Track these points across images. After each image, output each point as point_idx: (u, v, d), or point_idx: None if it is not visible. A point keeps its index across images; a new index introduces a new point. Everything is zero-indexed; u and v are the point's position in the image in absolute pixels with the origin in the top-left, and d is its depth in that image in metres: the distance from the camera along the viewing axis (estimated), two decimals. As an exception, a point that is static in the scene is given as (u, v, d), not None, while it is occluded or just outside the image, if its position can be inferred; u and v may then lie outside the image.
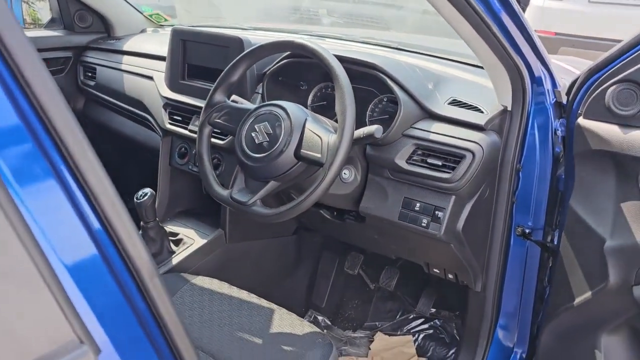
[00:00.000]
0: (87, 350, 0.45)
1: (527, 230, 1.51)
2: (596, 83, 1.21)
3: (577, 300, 1.28)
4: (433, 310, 2.03)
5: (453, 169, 1.39)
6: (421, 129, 1.45)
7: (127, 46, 2.21)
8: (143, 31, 2.41)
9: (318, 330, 1.40)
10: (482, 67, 1.55)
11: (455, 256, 1.51)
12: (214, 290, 1.53)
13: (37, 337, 0.43)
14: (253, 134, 1.37)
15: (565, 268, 1.32)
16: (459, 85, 1.57)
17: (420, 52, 1.81)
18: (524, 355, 1.63)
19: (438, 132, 1.43)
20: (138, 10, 2.41)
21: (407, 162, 1.45)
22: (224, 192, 1.43)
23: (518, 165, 1.47)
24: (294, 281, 2.18)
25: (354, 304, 2.18)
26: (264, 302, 1.48)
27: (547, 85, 1.43)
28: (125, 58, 2.16)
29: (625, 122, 1.16)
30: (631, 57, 1.13)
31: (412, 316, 2.06)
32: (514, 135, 1.43)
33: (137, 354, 0.53)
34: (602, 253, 1.20)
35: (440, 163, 1.41)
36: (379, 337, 2.02)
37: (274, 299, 1.50)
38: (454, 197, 1.42)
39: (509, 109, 1.43)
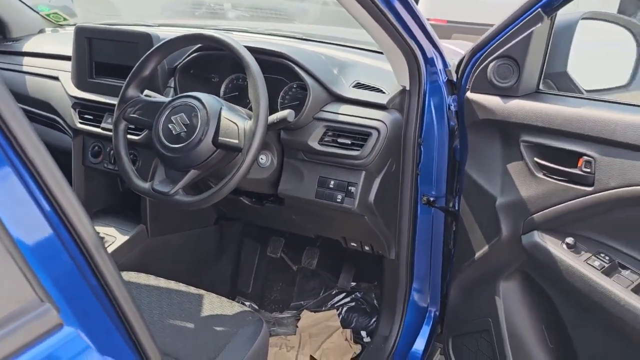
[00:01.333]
0: (50, 308, 0.50)
1: (431, 199, 1.67)
2: (479, 60, 1.37)
3: (477, 255, 1.44)
4: (354, 283, 2.16)
5: (361, 146, 1.51)
6: (330, 112, 1.56)
7: (27, 47, 2.15)
8: (41, 31, 2.34)
9: (248, 309, 1.48)
10: (381, 53, 1.69)
11: (370, 228, 1.63)
12: (140, 284, 1.56)
13: (3, 297, 0.48)
14: (170, 126, 1.41)
15: (466, 228, 1.48)
16: (362, 69, 1.70)
17: (324, 41, 1.92)
18: (437, 313, 1.79)
19: (346, 113, 1.54)
20: (34, 10, 2.33)
21: (319, 144, 1.55)
22: (146, 185, 1.46)
23: (419, 139, 1.61)
24: (217, 270, 2.23)
25: (279, 286, 2.26)
26: (192, 289, 1.53)
27: (439, 65, 1.58)
28: (26, 59, 2.10)
29: (505, 93, 1.32)
30: (505, 35, 1.29)
31: (334, 291, 2.18)
32: (414, 112, 1.57)
33: (92, 316, 0.59)
34: (494, 210, 1.37)
35: (349, 142, 1.53)
36: (305, 314, 2.12)
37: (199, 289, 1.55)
38: (364, 172, 1.54)
39: (408, 88, 1.57)
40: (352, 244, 1.82)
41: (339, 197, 1.55)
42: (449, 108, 1.60)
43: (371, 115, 1.52)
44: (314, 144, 1.55)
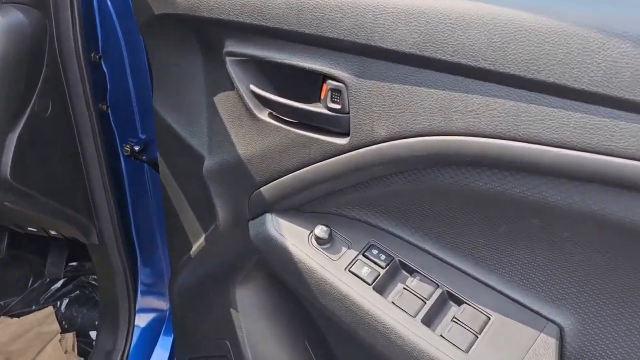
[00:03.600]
0: None
1: (137, 147, 1.04)
2: None
3: (194, 249, 0.87)
4: (74, 264, 1.51)
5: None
6: None
7: None
8: None
9: None
10: None
11: (26, 213, 0.97)
12: None
13: None
14: None
15: (173, 204, 0.89)
16: None
17: None
18: None
19: None
20: None
21: None
22: None
23: (94, 55, 0.95)
24: None
25: (-36, 285, 1.52)
26: None
27: None
28: None
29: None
30: None
31: (47, 280, 1.51)
32: (67, 9, 0.88)
33: None
34: (204, 179, 0.78)
35: None
36: (4, 324, 1.43)
37: None
38: None
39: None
40: (31, 229, 1.15)
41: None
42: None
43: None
44: None
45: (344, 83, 0.59)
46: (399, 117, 0.56)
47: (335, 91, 0.61)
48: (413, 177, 0.60)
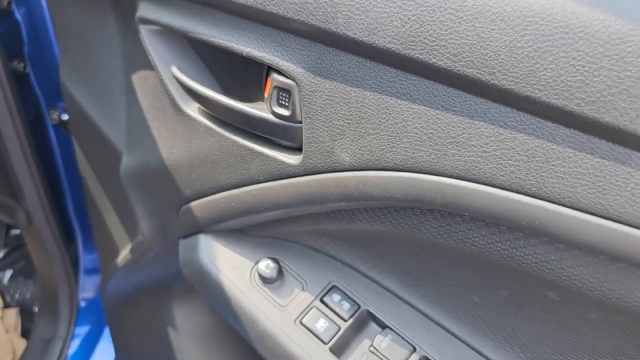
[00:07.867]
0: None
1: (66, 116, 0.86)
2: None
3: (120, 259, 0.71)
4: (18, 231, 1.35)
5: None
6: None
7: None
8: None
9: None
10: None
11: None
12: None
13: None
14: None
15: (95, 200, 0.71)
16: None
17: None
18: None
19: None
20: None
21: None
22: None
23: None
24: None
25: None
26: None
27: None
28: None
29: None
30: None
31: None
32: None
33: None
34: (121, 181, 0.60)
35: None
36: (-63, 297, 1.29)
37: None
38: None
39: None
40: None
41: None
42: None
43: None
44: None
45: (294, 80, 0.41)
46: (369, 139, 0.38)
47: (283, 91, 0.42)
48: (388, 217, 0.42)
